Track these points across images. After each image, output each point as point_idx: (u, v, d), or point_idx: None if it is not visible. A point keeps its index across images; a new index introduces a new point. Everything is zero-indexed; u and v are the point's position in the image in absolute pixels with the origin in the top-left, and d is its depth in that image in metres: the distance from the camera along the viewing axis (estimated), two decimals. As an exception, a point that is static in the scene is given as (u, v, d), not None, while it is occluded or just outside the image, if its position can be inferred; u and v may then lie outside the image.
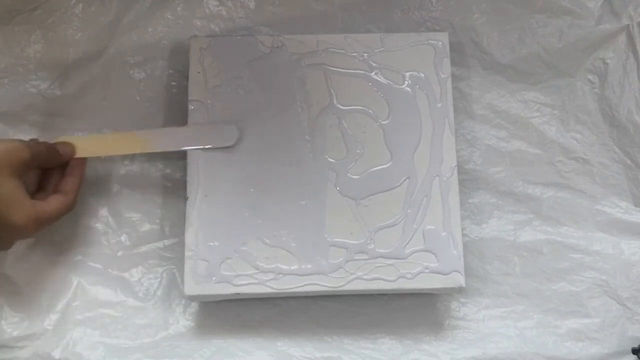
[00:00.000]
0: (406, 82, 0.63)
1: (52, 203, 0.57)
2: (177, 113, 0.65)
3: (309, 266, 0.59)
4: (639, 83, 0.67)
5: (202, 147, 0.60)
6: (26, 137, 0.64)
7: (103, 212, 0.64)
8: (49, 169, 0.59)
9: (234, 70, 0.63)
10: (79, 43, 0.66)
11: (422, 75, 0.63)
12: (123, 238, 0.64)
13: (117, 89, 0.66)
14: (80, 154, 0.59)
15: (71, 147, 0.59)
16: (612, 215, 0.65)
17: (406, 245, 0.59)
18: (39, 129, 0.65)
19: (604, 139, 0.67)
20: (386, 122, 0.62)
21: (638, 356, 0.61)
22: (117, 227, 0.64)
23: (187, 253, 0.59)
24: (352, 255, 0.59)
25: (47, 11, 0.66)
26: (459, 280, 0.59)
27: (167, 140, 0.61)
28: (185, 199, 0.60)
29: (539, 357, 0.62)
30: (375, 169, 0.61)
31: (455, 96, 0.64)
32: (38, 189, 0.59)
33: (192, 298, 0.60)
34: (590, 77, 0.68)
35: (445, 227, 0.60)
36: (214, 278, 0.59)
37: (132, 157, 0.65)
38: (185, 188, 0.61)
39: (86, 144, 0.60)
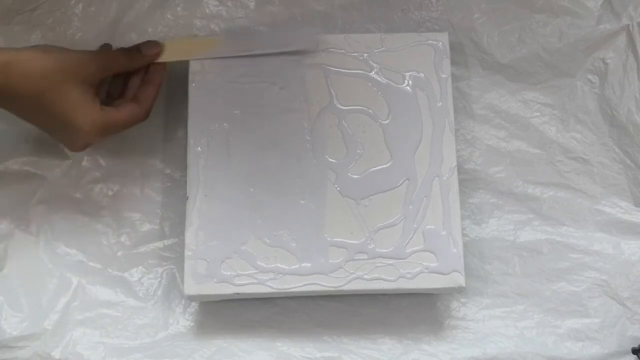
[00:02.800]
0: (406, 82, 0.63)
1: (123, 111, 0.59)
2: (177, 113, 0.65)
3: (309, 266, 0.59)
4: (639, 83, 0.66)
5: (285, 50, 0.62)
6: (27, 137, 0.65)
7: (103, 212, 0.64)
8: (131, 75, 0.61)
9: (234, 69, 0.63)
10: (79, 43, 0.66)
11: (422, 75, 0.63)
12: (123, 238, 0.64)
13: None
14: (160, 58, 0.61)
15: (156, 46, 0.61)
16: (612, 215, 0.65)
17: (406, 245, 0.59)
18: (39, 128, 0.65)
19: (604, 139, 0.67)
20: (386, 122, 0.62)
21: (638, 356, 0.61)
22: (117, 227, 0.64)
23: (187, 253, 0.59)
24: (352, 255, 0.59)
25: (47, 11, 0.66)
26: (459, 280, 0.59)
27: (250, 44, 0.62)
28: (185, 199, 0.60)
29: (539, 357, 0.62)
30: (375, 169, 0.61)
31: (455, 96, 0.64)
32: (120, 95, 0.61)
33: (192, 298, 0.60)
34: (590, 77, 0.68)
35: (445, 227, 0.60)
36: (214, 278, 0.59)
37: (131, 157, 0.65)
38: (185, 188, 0.61)
39: (166, 49, 0.61)
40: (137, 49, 0.60)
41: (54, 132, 0.58)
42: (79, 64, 0.57)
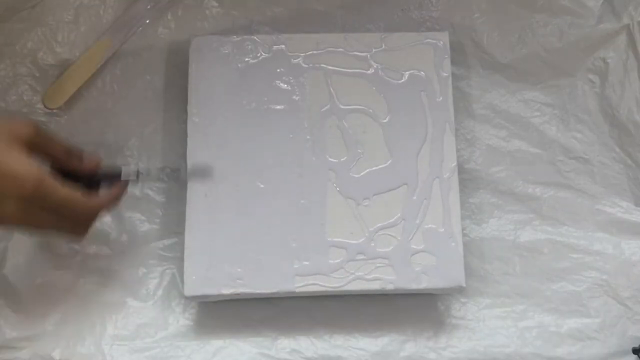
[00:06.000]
0: (406, 82, 0.63)
1: (67, 188, 0.52)
2: (177, 113, 0.65)
3: (309, 266, 0.59)
4: (639, 82, 0.66)
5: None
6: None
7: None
8: None
9: (234, 70, 0.63)
10: (79, 41, 0.66)
11: (422, 74, 0.63)
12: (123, 238, 0.64)
13: (118, 89, 0.66)
14: None
15: (95, 162, 0.57)
16: (613, 215, 0.65)
17: (406, 245, 0.59)
18: (39, 128, 0.65)
19: (604, 139, 0.67)
20: (386, 121, 0.62)
21: (638, 356, 0.61)
22: (117, 227, 0.64)
23: (187, 253, 0.59)
24: (353, 255, 0.59)
25: (47, 8, 0.66)
26: (459, 280, 0.59)
27: None
28: (185, 199, 0.60)
29: (539, 357, 0.62)
30: (375, 168, 0.61)
31: (455, 96, 0.64)
32: None
33: (191, 298, 0.60)
34: (591, 76, 0.68)
35: (445, 227, 0.60)
36: (213, 278, 0.59)
37: (131, 157, 0.65)
38: (185, 188, 0.61)
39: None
40: (78, 155, 0.56)
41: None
42: (13, 123, 0.52)
